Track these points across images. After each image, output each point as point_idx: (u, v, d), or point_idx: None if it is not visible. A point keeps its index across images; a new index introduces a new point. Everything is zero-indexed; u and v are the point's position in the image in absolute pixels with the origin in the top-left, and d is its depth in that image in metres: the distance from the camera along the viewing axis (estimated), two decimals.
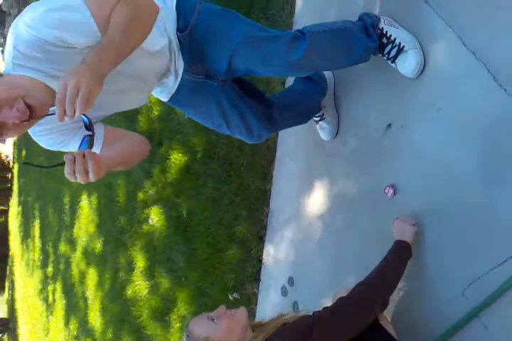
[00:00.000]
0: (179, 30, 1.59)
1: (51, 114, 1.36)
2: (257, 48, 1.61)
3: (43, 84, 1.36)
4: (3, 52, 8.59)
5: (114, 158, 1.54)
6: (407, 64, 1.78)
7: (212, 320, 1.52)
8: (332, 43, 1.72)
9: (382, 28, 1.80)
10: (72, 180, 1.28)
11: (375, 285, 1.61)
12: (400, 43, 1.78)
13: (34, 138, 1.60)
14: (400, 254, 1.70)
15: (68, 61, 1.35)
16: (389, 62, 1.84)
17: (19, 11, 7.86)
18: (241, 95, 1.85)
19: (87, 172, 1.26)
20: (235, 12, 1.68)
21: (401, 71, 1.81)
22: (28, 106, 1.30)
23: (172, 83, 1.73)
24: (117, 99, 1.62)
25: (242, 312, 1.55)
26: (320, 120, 2.17)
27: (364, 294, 1.58)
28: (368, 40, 1.77)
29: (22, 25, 1.32)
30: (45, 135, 1.58)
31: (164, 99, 1.83)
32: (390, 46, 1.79)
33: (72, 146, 1.65)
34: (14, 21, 1.37)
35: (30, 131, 1.51)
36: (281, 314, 1.64)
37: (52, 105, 1.34)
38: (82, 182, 1.31)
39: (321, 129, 2.21)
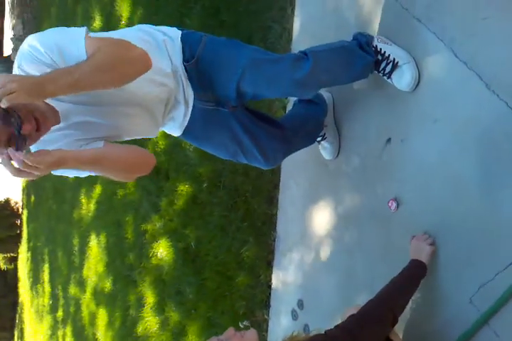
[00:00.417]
0: (185, 60, 1.67)
1: None
2: (263, 70, 1.68)
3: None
4: None
5: (115, 160, 1.57)
6: (402, 78, 1.84)
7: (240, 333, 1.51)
8: (334, 60, 1.79)
9: (376, 46, 1.87)
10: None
11: (386, 303, 1.60)
12: (394, 59, 1.84)
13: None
14: (414, 273, 1.69)
15: None
16: (385, 78, 1.90)
17: None
18: (252, 119, 1.91)
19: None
20: (238, 40, 1.76)
21: (397, 86, 1.87)
22: (35, 119, 1.40)
23: (183, 114, 1.78)
24: (124, 122, 1.68)
25: (251, 333, 1.52)
26: (322, 140, 2.21)
27: (375, 311, 1.57)
28: (365, 55, 1.84)
29: (26, 46, 1.45)
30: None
31: (177, 133, 1.87)
32: (384, 62, 1.86)
33: None
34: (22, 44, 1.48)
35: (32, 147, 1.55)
36: (292, 335, 1.62)
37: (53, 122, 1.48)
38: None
39: (323, 149, 2.25)
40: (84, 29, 1.51)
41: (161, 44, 1.63)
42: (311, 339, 1.50)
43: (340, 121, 2.22)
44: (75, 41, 1.46)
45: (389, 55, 1.85)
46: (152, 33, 1.65)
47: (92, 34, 1.52)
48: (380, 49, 1.86)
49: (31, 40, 1.45)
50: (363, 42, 1.86)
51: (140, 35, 1.61)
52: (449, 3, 1.73)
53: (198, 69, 1.68)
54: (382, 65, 1.86)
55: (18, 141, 1.35)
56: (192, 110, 1.78)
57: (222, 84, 1.69)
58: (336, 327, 1.52)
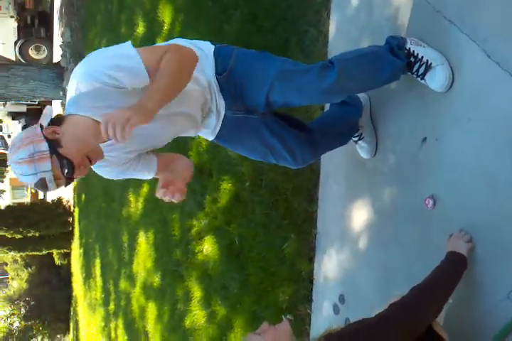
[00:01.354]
0: (218, 73, 1.78)
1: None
2: (291, 81, 1.77)
3: (95, 122, 1.57)
4: (62, 104, 9.17)
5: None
6: (436, 79, 1.88)
7: (259, 335, 1.60)
8: (360, 67, 1.85)
9: (409, 48, 1.91)
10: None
11: (427, 293, 1.62)
12: (427, 61, 1.88)
13: (95, 170, 1.81)
14: (457, 264, 1.71)
15: (118, 99, 1.58)
16: (419, 79, 1.95)
17: (76, 65, 8.42)
18: (281, 124, 2.01)
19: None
20: (267, 53, 1.86)
21: (431, 86, 1.91)
22: (90, 160, 1.57)
23: (215, 122, 1.90)
24: (172, 129, 1.84)
25: (284, 324, 1.59)
26: (359, 140, 2.28)
27: (416, 300, 1.59)
28: (394, 60, 1.88)
29: (83, 69, 1.59)
30: (103, 167, 1.80)
31: (211, 138, 2.00)
32: (418, 64, 1.90)
33: (134, 175, 1.89)
34: (76, 67, 1.61)
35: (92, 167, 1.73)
36: (332, 329, 1.70)
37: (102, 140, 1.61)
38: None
39: (361, 148, 2.31)
40: (129, 43, 1.64)
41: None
42: (348, 326, 1.57)
43: (376, 120, 2.27)
44: (129, 57, 1.58)
45: (422, 56, 1.89)
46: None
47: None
48: (413, 51, 1.90)
49: (87, 64, 1.59)
50: (394, 46, 1.91)
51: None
52: (481, 4, 1.76)
53: (229, 81, 1.79)
54: (416, 67, 1.91)
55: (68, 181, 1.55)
56: (223, 118, 1.89)
57: (253, 95, 1.80)
58: (376, 315, 1.58)
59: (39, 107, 14.50)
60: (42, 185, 1.50)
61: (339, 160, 2.56)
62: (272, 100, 1.79)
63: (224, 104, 1.85)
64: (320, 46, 2.61)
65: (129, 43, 1.64)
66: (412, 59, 1.91)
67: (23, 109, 14.12)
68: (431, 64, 1.88)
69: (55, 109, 12.77)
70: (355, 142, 2.31)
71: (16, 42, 11.45)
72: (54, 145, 1.50)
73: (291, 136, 2.02)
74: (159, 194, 1.73)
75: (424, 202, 1.98)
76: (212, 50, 1.79)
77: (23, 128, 13.62)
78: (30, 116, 14.48)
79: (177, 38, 1.87)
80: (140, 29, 5.34)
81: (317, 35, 2.62)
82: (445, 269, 1.71)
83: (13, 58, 11.61)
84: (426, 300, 1.60)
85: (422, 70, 1.90)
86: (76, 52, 8.28)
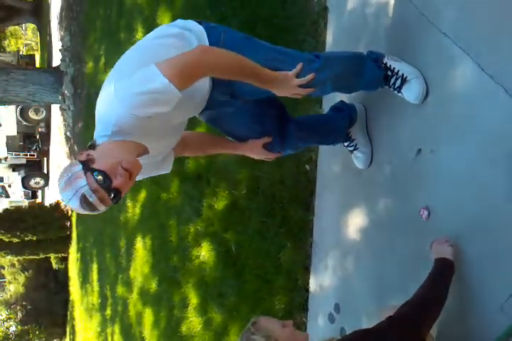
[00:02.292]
0: None
1: None
2: (277, 70, 1.77)
3: (134, 143, 1.63)
4: (61, 109, 9.19)
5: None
6: (411, 92, 1.96)
7: (282, 324, 1.65)
8: (343, 67, 1.92)
9: (386, 63, 2.00)
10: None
11: (421, 305, 1.63)
12: (403, 74, 1.96)
13: None
14: (445, 270, 1.73)
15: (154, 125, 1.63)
16: (395, 92, 2.01)
17: (75, 70, 8.50)
18: (262, 110, 2.04)
19: None
20: (255, 39, 1.87)
21: (406, 99, 1.99)
22: (125, 169, 1.54)
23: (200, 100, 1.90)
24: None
25: (305, 336, 1.70)
26: (354, 149, 2.29)
27: (411, 314, 1.60)
28: (375, 69, 1.97)
29: (122, 109, 1.55)
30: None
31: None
32: (394, 78, 1.98)
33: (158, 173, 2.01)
34: (106, 99, 1.61)
35: None
36: (330, 338, 1.72)
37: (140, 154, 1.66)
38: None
39: (356, 158, 2.33)
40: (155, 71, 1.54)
41: (192, 42, 1.73)
42: (345, 338, 1.59)
43: (372, 131, 2.28)
44: (153, 81, 1.52)
45: (398, 70, 1.97)
46: (183, 37, 1.74)
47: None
48: (390, 65, 1.99)
49: (122, 104, 1.54)
50: (373, 58, 1.99)
51: (178, 45, 1.70)
52: (475, 17, 1.78)
53: None
54: (392, 80, 1.99)
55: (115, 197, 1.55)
56: (208, 100, 1.87)
57: (239, 82, 1.77)
58: (370, 329, 1.59)
59: (38, 159, 14.78)
60: (85, 202, 1.50)
61: (335, 170, 2.57)
62: (256, 88, 1.78)
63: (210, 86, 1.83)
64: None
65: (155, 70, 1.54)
66: (389, 73, 1.98)
67: (23, 161, 14.55)
68: (406, 77, 1.96)
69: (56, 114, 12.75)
70: (351, 152, 2.33)
71: (16, 107, 13.04)
72: (87, 163, 1.53)
73: (271, 123, 2.06)
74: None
75: (419, 212, 1.99)
76: (203, 31, 1.77)
77: (23, 179, 13.90)
78: (30, 167, 14.82)
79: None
80: (139, 35, 5.36)
81: (315, 44, 2.64)
82: (435, 280, 1.72)
83: (15, 120, 13.03)
84: (419, 316, 1.61)
85: (398, 83, 1.98)
86: (75, 57, 8.31)
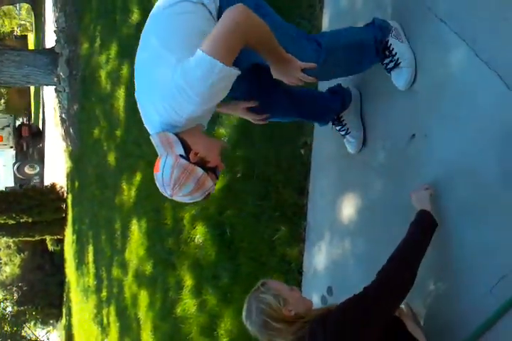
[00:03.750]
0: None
1: None
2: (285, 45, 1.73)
3: (201, 125, 1.73)
4: (56, 91, 9.12)
5: None
6: (399, 78, 2.04)
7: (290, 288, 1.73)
8: (345, 58, 1.96)
9: (388, 41, 2.00)
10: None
11: (401, 263, 1.68)
12: (398, 59, 2.00)
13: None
14: (423, 224, 1.78)
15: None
16: (385, 71, 2.07)
17: (70, 51, 8.41)
18: (252, 73, 1.97)
19: None
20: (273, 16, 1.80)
21: (393, 82, 2.06)
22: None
23: None
24: None
25: (310, 303, 1.78)
26: (346, 134, 2.31)
27: (390, 270, 1.66)
28: (374, 57, 2.02)
29: (193, 107, 1.58)
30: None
31: None
32: (389, 59, 2.02)
33: None
34: (165, 93, 1.59)
35: None
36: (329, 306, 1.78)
37: None
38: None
39: (348, 143, 2.34)
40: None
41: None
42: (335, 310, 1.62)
43: (366, 115, 2.29)
44: (211, 71, 1.50)
45: (396, 53, 2.00)
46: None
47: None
48: (390, 45, 2.00)
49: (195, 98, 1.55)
50: (378, 39, 1.99)
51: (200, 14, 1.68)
52: (471, 4, 1.78)
53: None
54: (386, 61, 2.03)
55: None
56: None
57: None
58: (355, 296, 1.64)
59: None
60: (206, 197, 1.68)
61: (330, 153, 2.58)
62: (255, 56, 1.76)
63: None
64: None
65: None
66: (387, 52, 2.01)
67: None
68: (400, 63, 2.01)
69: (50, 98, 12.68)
70: (343, 136, 2.34)
71: (14, 164, 14.72)
72: (203, 165, 1.63)
73: (258, 85, 2.03)
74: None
75: (410, 195, 2.01)
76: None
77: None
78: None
79: None
80: (135, 16, 5.31)
81: (310, 28, 2.63)
82: (412, 232, 1.76)
83: (13, 176, 14.78)
84: (398, 268, 1.66)
85: (391, 65, 2.04)
86: (70, 38, 8.23)
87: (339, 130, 2.32)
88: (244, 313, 1.74)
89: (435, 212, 1.81)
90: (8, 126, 14.67)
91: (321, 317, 1.60)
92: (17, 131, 15.03)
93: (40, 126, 16.32)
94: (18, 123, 17.02)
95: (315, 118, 2.38)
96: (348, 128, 2.28)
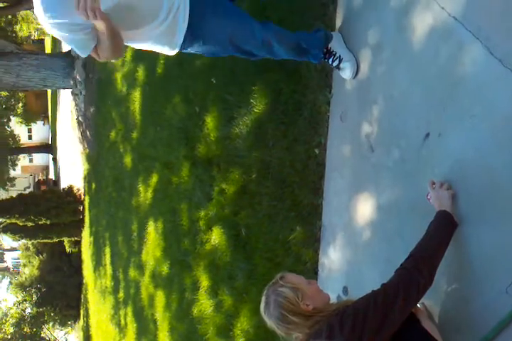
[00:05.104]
0: None
1: None
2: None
3: None
4: (73, 94, 9.24)
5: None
6: (345, 71, 2.44)
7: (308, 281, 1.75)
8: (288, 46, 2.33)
9: (329, 48, 2.42)
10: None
11: (420, 258, 1.69)
12: (340, 56, 2.41)
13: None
14: (443, 224, 1.77)
15: None
16: (335, 68, 2.47)
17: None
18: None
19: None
20: None
21: (342, 76, 2.48)
22: None
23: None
24: None
25: (328, 296, 1.79)
26: (339, 63, 2.44)
27: (410, 269, 1.66)
28: (318, 54, 2.43)
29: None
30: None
31: None
32: (331, 58, 2.42)
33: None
34: None
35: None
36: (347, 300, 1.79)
37: None
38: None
39: (342, 70, 2.48)
40: None
41: None
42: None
43: (380, 113, 2.29)
44: None
45: (336, 52, 2.41)
46: None
47: None
48: (330, 47, 2.41)
49: None
50: (315, 53, 2.40)
51: None
52: (485, 2, 1.77)
53: None
54: (330, 61, 2.43)
55: None
56: None
57: None
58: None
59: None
60: None
61: (344, 154, 2.58)
62: None
63: None
64: None
65: None
66: (330, 55, 2.42)
67: None
68: (343, 59, 2.40)
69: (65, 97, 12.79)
70: (337, 67, 2.47)
71: None
72: None
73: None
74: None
75: (426, 196, 2.00)
76: None
77: None
78: None
79: None
80: None
81: (324, 28, 2.62)
82: (432, 232, 1.77)
83: None
84: (416, 267, 1.66)
85: (335, 63, 2.42)
86: None
87: (332, 61, 2.45)
88: (262, 305, 1.74)
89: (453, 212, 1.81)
90: (29, 187, 15.69)
91: (338, 312, 1.60)
92: (37, 188, 16.43)
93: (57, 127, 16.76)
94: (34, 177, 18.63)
95: (306, 52, 2.43)
96: (340, 56, 2.42)
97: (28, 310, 15.84)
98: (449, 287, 1.84)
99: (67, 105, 12.79)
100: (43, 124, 28.61)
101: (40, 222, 10.95)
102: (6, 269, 34.67)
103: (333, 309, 1.65)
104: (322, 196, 2.77)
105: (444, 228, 1.76)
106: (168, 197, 5.06)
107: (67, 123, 13.13)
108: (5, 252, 33.49)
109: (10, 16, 20.05)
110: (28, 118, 24.61)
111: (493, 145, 1.75)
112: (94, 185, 9.66)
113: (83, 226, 11.32)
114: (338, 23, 2.55)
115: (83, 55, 2.13)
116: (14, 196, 11.48)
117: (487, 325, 1.69)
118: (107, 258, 8.28)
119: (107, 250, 8.29)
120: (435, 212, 1.83)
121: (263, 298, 1.74)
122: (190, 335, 4.40)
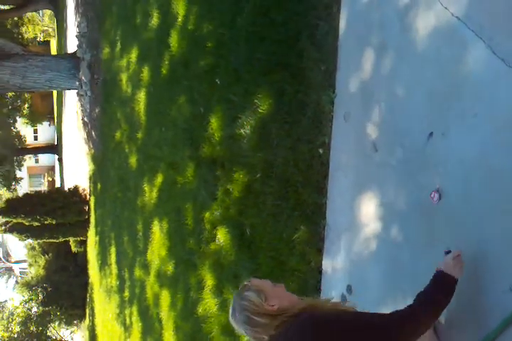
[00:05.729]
0: None
1: None
2: None
3: None
4: (78, 95, 9.28)
5: None
6: None
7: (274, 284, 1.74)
8: None
9: None
10: None
11: (419, 318, 1.64)
12: None
13: None
14: (446, 289, 1.71)
15: None
16: None
17: (91, 56, 8.55)
18: None
19: None
20: None
21: None
22: None
23: None
24: None
25: (295, 298, 1.76)
26: None
27: (407, 326, 1.61)
28: None
29: None
30: None
31: None
32: None
33: None
34: None
35: None
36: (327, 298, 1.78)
37: None
38: None
39: None
40: None
41: None
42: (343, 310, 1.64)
43: (385, 112, 2.30)
44: None
45: None
46: None
47: None
48: None
49: None
50: None
51: None
52: (488, 2, 1.78)
53: None
54: None
55: None
56: None
57: None
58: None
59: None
60: None
61: (348, 153, 2.60)
62: None
63: None
64: (331, 40, 2.63)
65: None
66: None
67: None
68: None
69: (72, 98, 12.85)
70: None
71: None
72: None
73: None
74: None
75: (430, 195, 2.01)
76: None
77: None
78: None
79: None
80: (154, 20, 5.38)
81: (328, 29, 2.64)
82: (433, 292, 1.71)
83: None
84: (414, 325, 1.63)
85: None
86: (92, 43, 8.36)
87: None
88: (229, 313, 1.74)
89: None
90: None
91: (304, 312, 1.60)
92: None
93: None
94: None
95: None
96: None
97: (34, 309, 15.92)
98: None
99: (72, 106, 12.85)
100: (49, 125, 28.71)
101: (46, 222, 11.01)
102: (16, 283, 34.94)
103: (299, 308, 1.63)
104: (326, 195, 2.78)
105: (447, 294, 1.71)
106: (173, 197, 5.08)
107: (73, 124, 13.18)
108: (13, 265, 33.58)
109: (16, 18, 20.15)
110: (33, 119, 24.75)
111: (496, 144, 1.76)
112: (99, 185, 9.69)
113: (89, 226, 11.36)
114: (342, 23, 2.57)
115: None
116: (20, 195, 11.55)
117: (492, 323, 1.70)
118: (113, 258, 8.31)
119: (113, 250, 8.32)
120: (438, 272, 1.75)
121: (230, 306, 1.74)
122: (195, 334, 4.41)
